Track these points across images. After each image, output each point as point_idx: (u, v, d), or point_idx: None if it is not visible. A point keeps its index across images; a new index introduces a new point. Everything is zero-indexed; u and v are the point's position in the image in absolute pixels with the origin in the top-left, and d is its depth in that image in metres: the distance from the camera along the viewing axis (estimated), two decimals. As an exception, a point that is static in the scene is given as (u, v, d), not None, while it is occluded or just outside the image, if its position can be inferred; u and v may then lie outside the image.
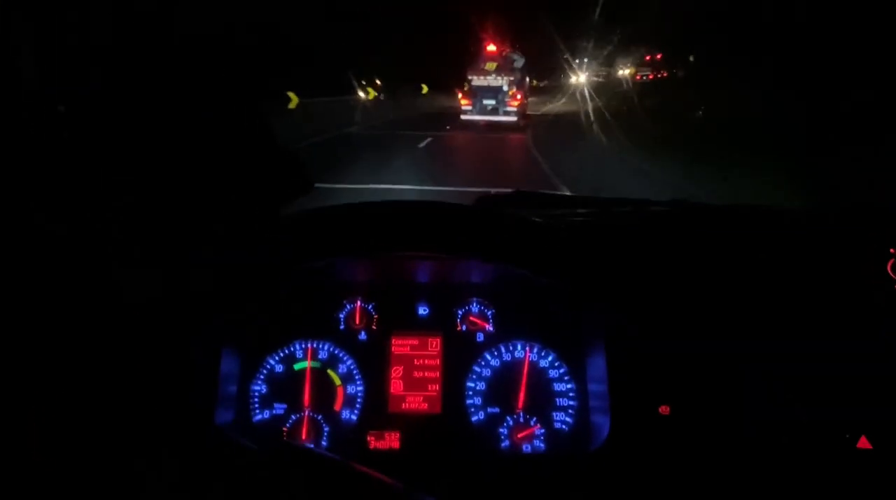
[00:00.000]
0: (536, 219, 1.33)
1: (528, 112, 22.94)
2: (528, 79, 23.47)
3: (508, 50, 21.86)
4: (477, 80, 21.15)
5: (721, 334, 1.17)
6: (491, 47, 21.82)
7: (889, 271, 1.18)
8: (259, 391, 1.29)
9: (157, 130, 1.33)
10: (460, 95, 21.57)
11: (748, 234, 1.29)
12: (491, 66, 21.39)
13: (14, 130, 1.12)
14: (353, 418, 1.28)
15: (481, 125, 19.59)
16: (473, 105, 20.76)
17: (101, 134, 1.27)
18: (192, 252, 1.20)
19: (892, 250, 1.19)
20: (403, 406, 1.29)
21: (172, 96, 1.36)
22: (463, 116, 20.65)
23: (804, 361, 1.14)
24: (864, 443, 1.08)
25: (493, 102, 20.68)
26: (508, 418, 1.29)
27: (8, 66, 1.12)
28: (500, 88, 20.82)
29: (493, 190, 1.67)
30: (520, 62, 21.86)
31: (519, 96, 20.85)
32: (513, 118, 20.51)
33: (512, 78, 21.07)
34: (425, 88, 25.42)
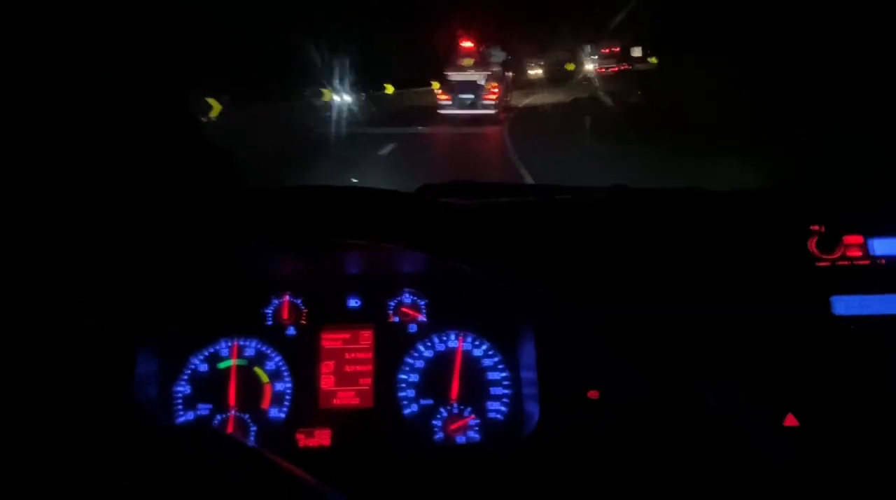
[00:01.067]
0: (463, 207, 1.31)
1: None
2: (509, 73, 23.59)
3: (484, 45, 22.29)
4: (454, 76, 21.37)
5: (648, 312, 1.16)
6: (467, 43, 22.27)
7: (810, 249, 1.17)
8: (182, 392, 1.25)
9: (83, 125, 1.30)
10: (438, 91, 21.67)
11: (680, 216, 1.27)
12: (468, 61, 21.83)
13: None
14: (282, 416, 1.26)
15: (459, 120, 19.50)
16: (451, 100, 20.84)
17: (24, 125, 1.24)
18: (105, 244, 1.16)
19: (812, 228, 1.19)
20: (334, 402, 1.27)
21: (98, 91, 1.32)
22: (441, 111, 20.74)
23: (730, 338, 1.13)
24: (791, 421, 1.07)
25: (470, 96, 20.80)
26: (442, 409, 1.27)
27: None
28: (476, 82, 21.05)
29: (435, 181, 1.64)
30: (498, 57, 22.26)
31: (496, 90, 21.08)
32: (491, 111, 20.63)
33: (489, 72, 21.34)
34: (389, 88, 23.11)
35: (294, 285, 1.32)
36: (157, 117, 1.33)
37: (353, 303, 1.32)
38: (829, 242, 1.16)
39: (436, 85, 21.57)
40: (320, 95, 16.55)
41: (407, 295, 1.33)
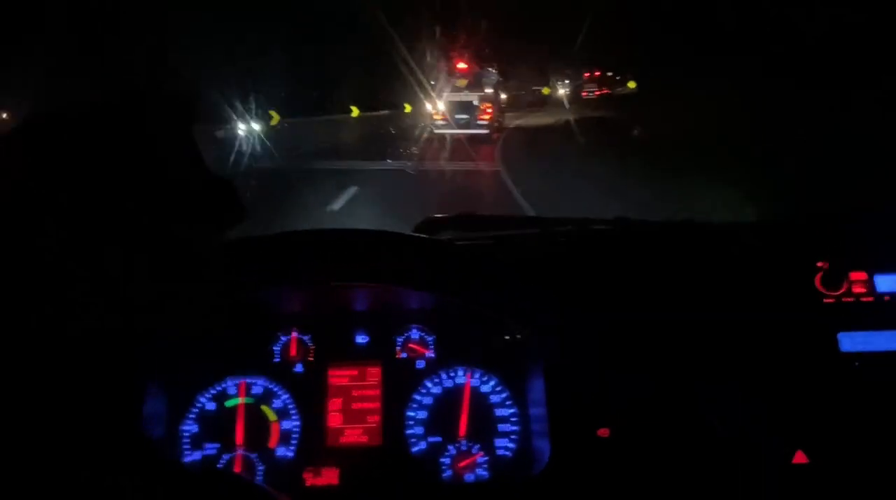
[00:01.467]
0: (470, 244, 1.32)
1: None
2: (502, 95, 24.56)
3: (478, 67, 23.23)
4: (449, 96, 22.21)
5: (657, 354, 1.17)
6: (462, 64, 23.14)
7: (817, 285, 1.18)
8: (189, 431, 1.25)
9: (88, 152, 1.29)
10: (433, 111, 22.34)
11: (685, 251, 1.28)
12: (462, 82, 22.70)
13: None
14: (290, 454, 1.25)
15: (448, 140, 19.94)
16: (447, 119, 21.62)
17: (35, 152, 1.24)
18: (112, 282, 1.16)
19: (818, 264, 1.20)
20: (342, 440, 1.26)
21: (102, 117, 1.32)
22: (437, 130, 21.40)
23: (737, 372, 1.14)
24: (800, 458, 1.07)
25: (465, 116, 21.58)
26: (450, 446, 1.26)
27: None
28: (471, 103, 21.83)
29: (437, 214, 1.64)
30: (491, 78, 23.10)
31: (489, 111, 21.79)
32: (485, 131, 21.33)
33: (482, 93, 22.20)
34: (355, 111, 21.53)
35: (301, 321, 1.32)
36: (158, 144, 1.34)
37: (361, 339, 1.32)
38: (835, 278, 1.17)
39: (408, 107, 22.19)
40: (269, 119, 12.98)
41: (414, 331, 1.33)
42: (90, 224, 1.23)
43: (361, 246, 1.22)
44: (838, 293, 1.18)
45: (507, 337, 1.29)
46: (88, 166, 1.29)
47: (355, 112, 22.32)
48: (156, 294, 1.16)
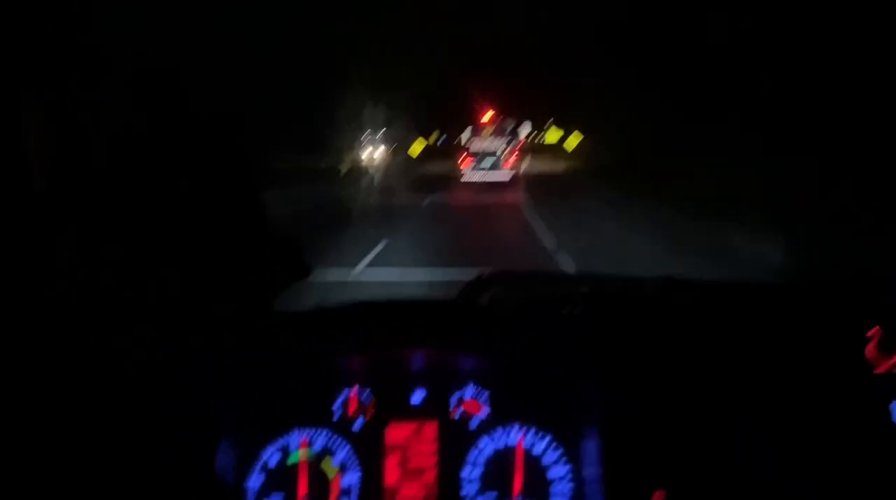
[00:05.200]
0: (512, 306, 1.36)
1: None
2: (518, 140, 26.55)
3: (503, 117, 25.85)
4: (474, 146, 24.16)
5: (713, 414, 1.18)
6: (484, 118, 26.04)
7: (867, 355, 1.19)
8: (254, 487, 1.28)
9: (152, 205, 1.36)
10: (460, 160, 24.37)
11: (734, 312, 1.31)
12: (486, 132, 24.91)
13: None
14: None
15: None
16: (472, 167, 23.49)
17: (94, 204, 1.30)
18: (188, 345, 1.22)
19: (868, 334, 1.20)
20: (398, 497, 1.29)
21: (168, 169, 1.39)
22: (463, 179, 23.29)
23: (790, 448, 1.14)
24: None
25: (489, 163, 23.42)
26: None
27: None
28: (495, 152, 23.65)
29: (483, 272, 1.69)
30: (510, 126, 25.83)
31: (512, 159, 23.94)
32: (507, 178, 23.19)
33: (505, 142, 24.22)
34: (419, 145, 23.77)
35: (360, 379, 1.36)
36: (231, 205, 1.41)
37: (417, 397, 1.36)
38: (888, 346, 1.18)
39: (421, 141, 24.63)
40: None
41: (470, 388, 1.36)
42: (159, 286, 1.30)
43: (423, 317, 1.28)
44: (892, 362, 1.18)
45: (561, 395, 1.31)
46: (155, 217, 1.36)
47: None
48: (227, 356, 1.22)
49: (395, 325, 1.26)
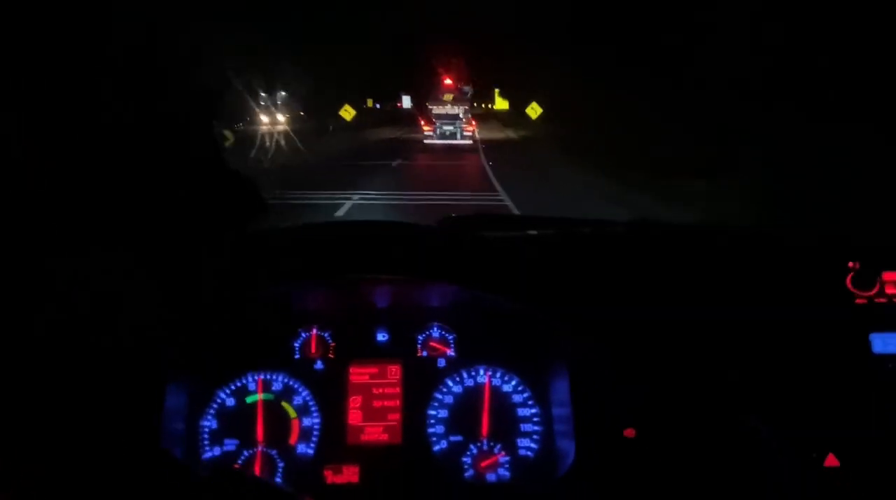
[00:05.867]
0: (501, 241, 1.31)
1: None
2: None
3: (462, 82, 25.72)
4: (437, 110, 24.32)
5: (686, 352, 1.16)
6: (447, 81, 25.76)
7: (848, 286, 1.18)
8: (209, 427, 1.22)
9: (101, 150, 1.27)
10: (423, 123, 24.73)
11: (708, 253, 1.28)
12: (448, 97, 24.91)
13: None
14: (310, 451, 1.22)
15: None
16: (434, 131, 23.77)
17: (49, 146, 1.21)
18: (134, 279, 1.14)
19: (850, 265, 1.19)
20: (362, 438, 1.24)
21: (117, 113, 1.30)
22: (426, 141, 23.58)
23: (768, 375, 1.13)
24: (831, 461, 1.07)
25: (451, 128, 23.71)
26: (472, 446, 1.25)
27: None
28: (457, 115, 24.03)
29: (454, 213, 1.63)
30: (469, 92, 25.69)
31: (473, 122, 24.45)
32: (469, 142, 23.58)
33: (466, 107, 24.48)
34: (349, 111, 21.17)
35: (322, 318, 1.30)
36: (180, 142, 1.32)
37: (381, 337, 1.30)
38: (867, 278, 1.17)
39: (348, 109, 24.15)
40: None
41: (436, 329, 1.31)
42: (108, 217, 1.21)
43: (381, 238, 1.20)
44: (870, 294, 1.17)
45: (529, 336, 1.27)
46: (110, 157, 1.27)
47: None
48: (177, 290, 1.14)
49: (357, 248, 1.18)
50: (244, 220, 1.35)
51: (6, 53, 1.03)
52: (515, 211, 9.72)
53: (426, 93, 25.82)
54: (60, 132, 1.21)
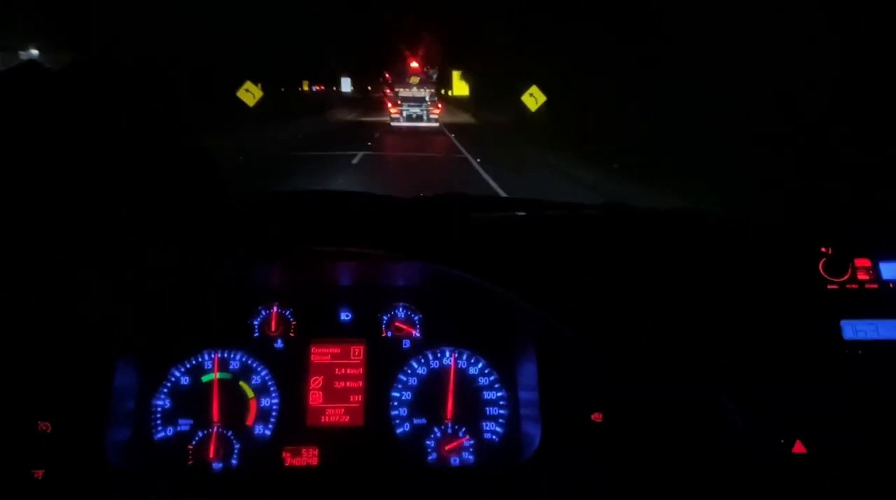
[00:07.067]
0: (472, 219, 1.27)
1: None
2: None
3: (428, 65, 25.48)
4: (403, 92, 24.05)
5: (655, 339, 1.14)
6: (414, 63, 25.24)
7: (821, 271, 1.17)
8: (162, 406, 1.16)
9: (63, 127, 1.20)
10: (389, 106, 24.32)
11: (681, 237, 1.26)
12: (415, 79, 24.61)
13: None
14: (268, 433, 1.18)
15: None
16: (401, 114, 23.57)
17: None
18: (88, 254, 1.07)
19: (822, 250, 1.19)
20: (323, 419, 1.20)
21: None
22: (392, 124, 23.39)
23: (738, 359, 1.11)
24: (799, 448, 1.06)
25: (418, 110, 23.64)
26: (436, 429, 1.21)
27: None
28: (424, 98, 23.92)
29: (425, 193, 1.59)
30: (434, 76, 25.61)
31: (440, 105, 24.40)
32: (435, 124, 23.62)
33: (432, 90, 24.50)
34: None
35: (283, 295, 1.25)
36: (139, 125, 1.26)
37: (345, 316, 1.26)
38: (839, 264, 1.16)
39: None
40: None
41: (401, 309, 1.27)
42: (62, 190, 1.14)
43: (347, 210, 1.16)
44: (842, 280, 1.16)
45: (497, 318, 1.24)
46: (59, 131, 1.20)
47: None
48: (126, 267, 1.08)
49: (321, 219, 1.14)
50: (202, 197, 1.29)
51: None
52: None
53: (394, 76, 25.40)
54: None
